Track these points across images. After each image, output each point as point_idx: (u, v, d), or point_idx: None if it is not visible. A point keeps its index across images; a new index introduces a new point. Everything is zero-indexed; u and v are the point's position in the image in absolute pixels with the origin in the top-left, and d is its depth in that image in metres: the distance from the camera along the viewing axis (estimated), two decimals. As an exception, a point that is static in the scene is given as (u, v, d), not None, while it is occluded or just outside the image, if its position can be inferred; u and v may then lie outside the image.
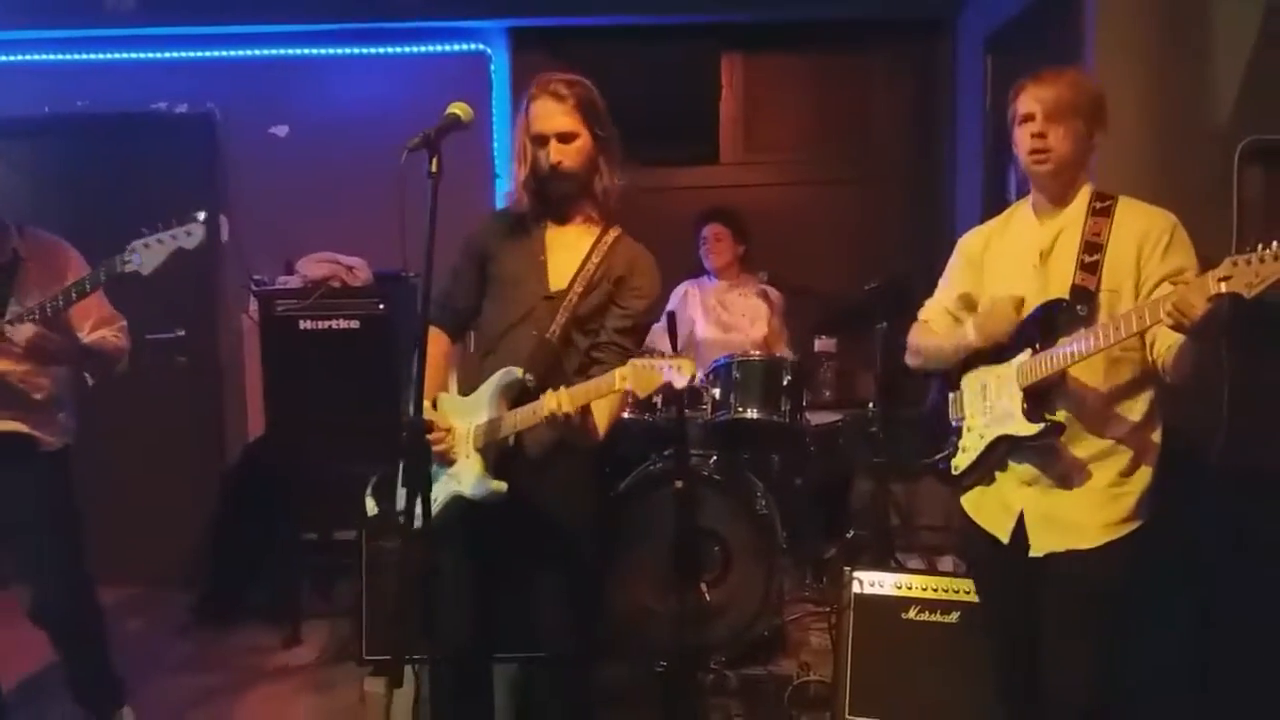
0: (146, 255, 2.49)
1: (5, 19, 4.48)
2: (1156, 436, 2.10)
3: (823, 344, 4.38)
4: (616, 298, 2.38)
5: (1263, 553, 2.45)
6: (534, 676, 2.52)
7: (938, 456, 2.29)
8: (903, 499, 4.19)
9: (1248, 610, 2.47)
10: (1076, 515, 2.07)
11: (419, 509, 2.04)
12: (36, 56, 4.70)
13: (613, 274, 2.37)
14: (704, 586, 3.25)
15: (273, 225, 4.51)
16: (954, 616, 2.80)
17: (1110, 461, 2.07)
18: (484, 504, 2.26)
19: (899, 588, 2.90)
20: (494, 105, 4.73)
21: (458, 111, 2.13)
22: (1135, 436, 2.07)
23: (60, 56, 4.70)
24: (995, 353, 2.16)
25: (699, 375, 3.81)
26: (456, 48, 4.77)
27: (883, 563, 3.56)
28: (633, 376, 2.06)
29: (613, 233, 2.42)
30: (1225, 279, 1.66)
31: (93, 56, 4.71)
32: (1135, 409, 2.07)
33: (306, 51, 4.74)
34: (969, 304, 2.30)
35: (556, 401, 2.13)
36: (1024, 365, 2.08)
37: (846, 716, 2.87)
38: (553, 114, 2.30)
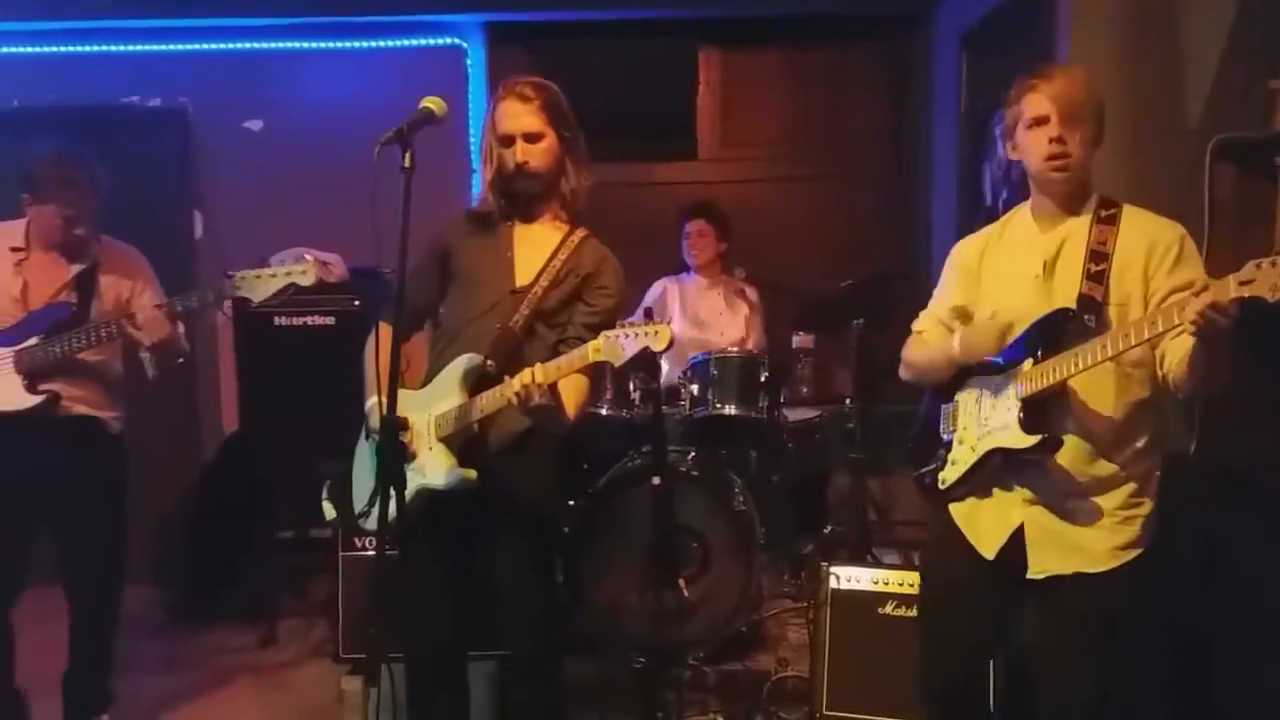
0: (258, 286, 2.71)
1: (-26, 12, 4.43)
2: (1157, 469, 2.06)
3: (800, 340, 4.38)
4: (584, 294, 2.39)
5: (1240, 556, 2.46)
6: (507, 674, 2.52)
7: (924, 470, 2.22)
8: (880, 495, 4.21)
9: (1223, 617, 2.47)
10: (1085, 539, 2.01)
11: (390, 506, 2.03)
12: (6, 49, 4.64)
13: (580, 270, 2.38)
14: (682, 582, 3.25)
15: (247, 220, 4.48)
16: (930, 611, 2.81)
17: (1114, 490, 2.01)
18: (450, 495, 2.26)
19: (876, 583, 2.91)
20: (470, 100, 4.71)
21: (431, 106, 2.13)
22: (1138, 464, 2.02)
23: (31, 49, 4.65)
24: (989, 363, 2.09)
25: (676, 372, 3.82)
26: (433, 42, 4.75)
27: (860, 558, 3.57)
28: (606, 348, 2.07)
29: (579, 233, 2.43)
30: (1247, 283, 1.60)
31: (64, 49, 4.66)
32: (1140, 436, 2.02)
33: (281, 45, 4.71)
34: (964, 315, 2.23)
35: (530, 374, 2.13)
36: (1025, 374, 2.00)
37: (824, 711, 2.88)
38: (519, 114, 2.32)
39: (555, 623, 2.53)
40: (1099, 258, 1.99)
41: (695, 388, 3.62)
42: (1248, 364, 2.12)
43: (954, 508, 2.19)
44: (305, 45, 4.72)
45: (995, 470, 2.08)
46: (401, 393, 2.36)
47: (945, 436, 2.20)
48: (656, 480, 2.89)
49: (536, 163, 2.34)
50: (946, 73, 4.66)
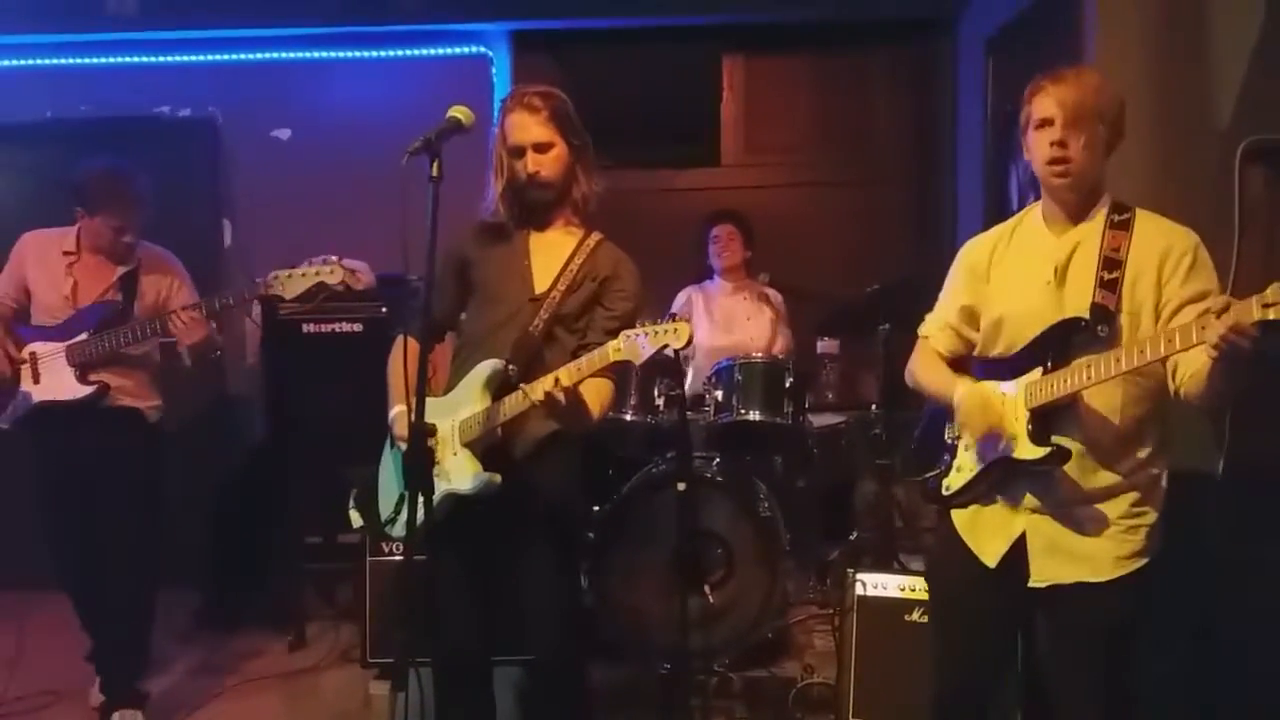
0: (289, 284, 2.89)
1: (7, 23, 4.50)
2: (1163, 480, 2.01)
3: (825, 346, 4.37)
4: (602, 299, 2.41)
5: (1268, 568, 2.43)
6: (531, 679, 2.52)
7: (928, 475, 2.19)
8: (905, 501, 4.17)
9: (1252, 632, 2.45)
10: (1088, 547, 1.97)
11: (418, 511, 2.04)
12: (39, 61, 4.72)
13: (597, 274, 2.40)
14: (707, 589, 3.25)
15: (275, 229, 4.52)
16: (957, 618, 2.79)
17: (1118, 497, 1.97)
18: (476, 499, 2.27)
19: (902, 590, 2.89)
20: (496, 109, 4.71)
21: (459, 115, 2.15)
22: (1141, 474, 1.98)
23: (62, 61, 4.72)
24: (999, 370, 2.06)
25: (701, 377, 3.82)
26: (458, 51, 4.78)
27: (886, 565, 3.55)
28: (626, 347, 2.08)
29: (594, 237, 2.45)
30: (1272, 304, 1.55)
31: (95, 61, 4.73)
32: (1144, 446, 1.98)
33: (309, 55, 4.75)
34: (971, 317, 2.19)
35: (553, 378, 2.14)
36: (1033, 385, 1.96)
37: (850, 718, 2.87)
38: (528, 125, 2.35)
39: (580, 627, 2.53)
40: (1112, 265, 1.94)
41: (720, 393, 3.62)
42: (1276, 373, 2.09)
43: (955, 516, 2.16)
44: (332, 55, 4.76)
45: (999, 479, 2.05)
46: (428, 401, 2.39)
47: (950, 441, 2.16)
48: (681, 486, 2.89)
49: (548, 172, 2.36)
50: (971, 77, 4.64)
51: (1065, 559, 2.00)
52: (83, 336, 3.08)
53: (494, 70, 4.77)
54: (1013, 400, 2.00)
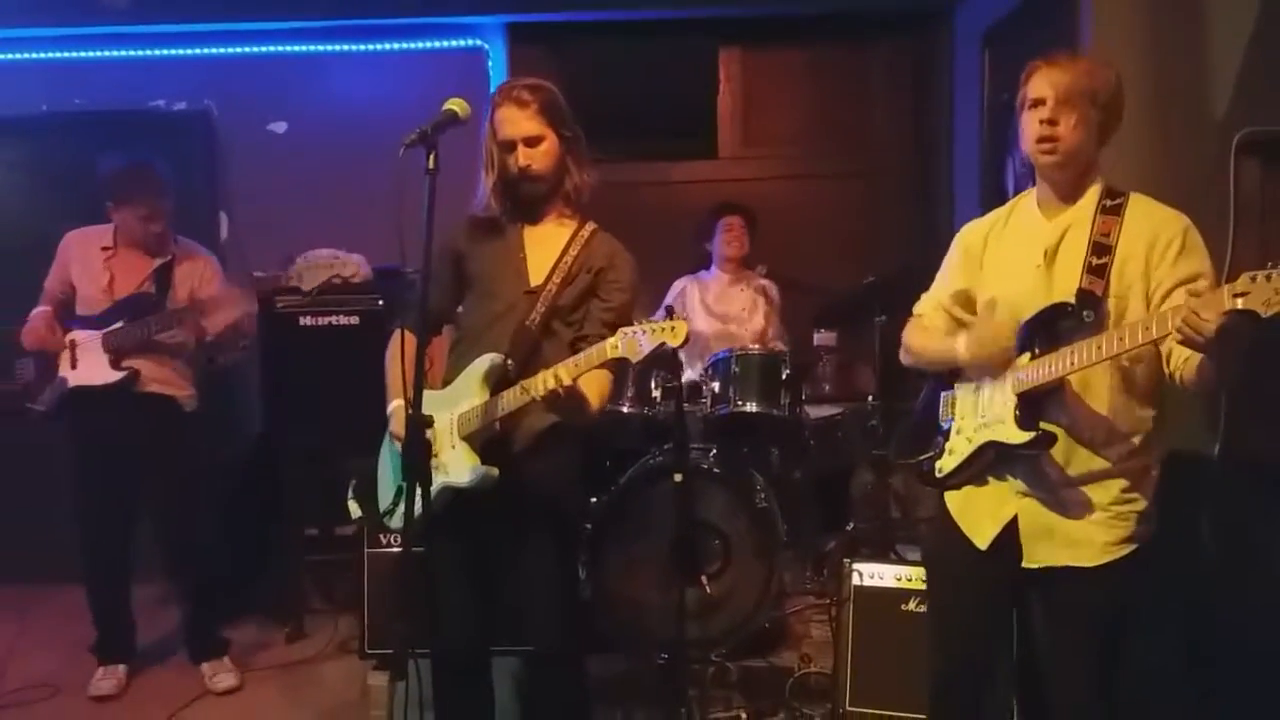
0: (308, 274, 3.15)
1: (2, 17, 4.48)
2: (1155, 469, 2.02)
3: (822, 338, 4.38)
4: (598, 290, 2.41)
5: (1265, 555, 2.44)
6: (531, 670, 2.53)
7: (922, 457, 2.20)
8: (902, 491, 4.20)
9: (1249, 618, 2.46)
10: (1078, 532, 1.99)
11: (416, 503, 2.05)
12: (33, 55, 4.70)
13: (592, 265, 2.40)
14: (704, 580, 3.26)
15: (271, 222, 4.52)
16: (953, 608, 2.80)
17: (1106, 484, 1.98)
18: (474, 493, 2.28)
19: (899, 580, 2.90)
20: (492, 101, 4.72)
21: (455, 108, 2.15)
22: (1133, 461, 1.99)
23: (57, 54, 4.70)
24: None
25: (698, 369, 3.83)
26: (455, 43, 4.77)
27: (882, 555, 3.57)
28: (624, 344, 2.09)
29: (589, 228, 2.45)
30: (1242, 295, 1.56)
31: (90, 54, 4.71)
32: (1136, 433, 1.98)
33: (304, 48, 4.74)
34: (965, 301, 2.20)
35: (553, 375, 2.15)
36: (1021, 369, 1.97)
37: (847, 708, 2.89)
38: (517, 120, 2.33)
39: (578, 618, 2.54)
40: (1101, 250, 1.95)
41: (717, 385, 3.63)
42: (1274, 360, 2.10)
43: (949, 499, 2.18)
44: (328, 48, 4.75)
45: (990, 462, 2.07)
46: (426, 394, 2.39)
47: (944, 424, 2.18)
48: (678, 477, 2.90)
49: (539, 166, 2.35)
50: (968, 69, 4.64)
51: (1056, 543, 2.02)
52: (118, 325, 3.26)
53: (490, 63, 4.77)
54: (1001, 384, 2.02)
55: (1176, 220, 1.95)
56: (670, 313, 3.46)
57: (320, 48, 4.75)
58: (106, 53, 4.71)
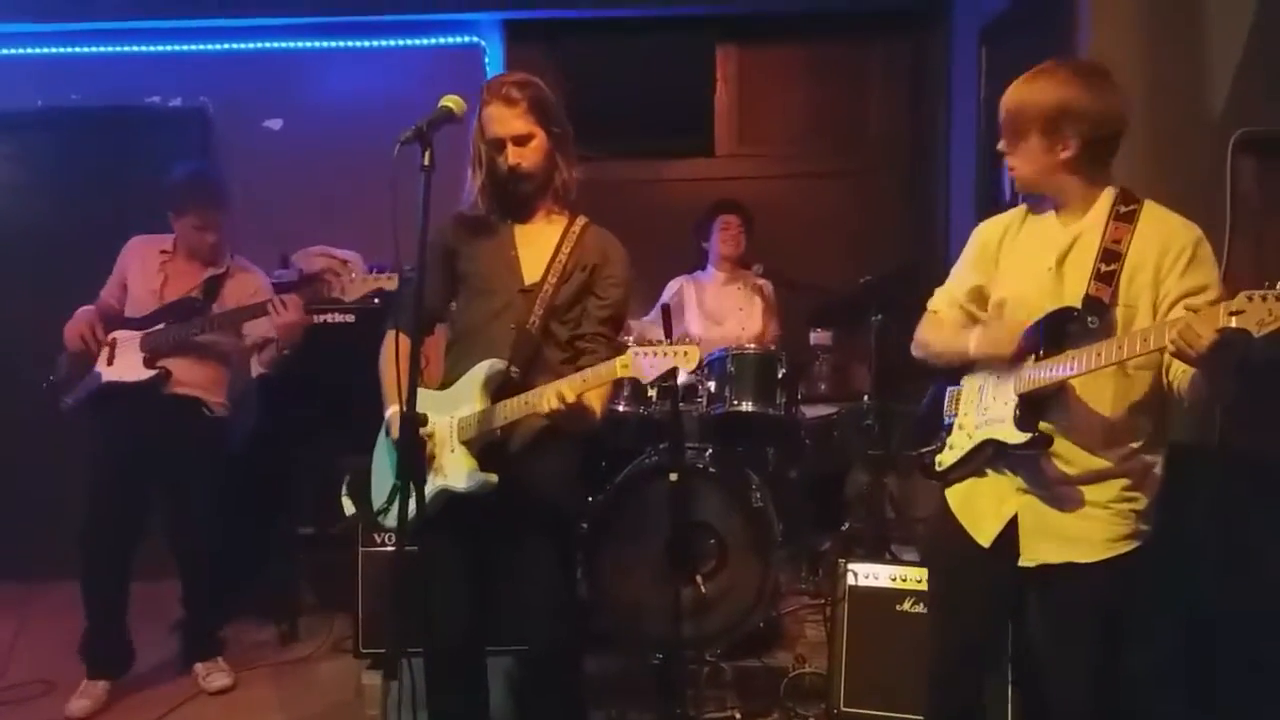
0: (350, 288, 3.13)
1: (-2, 13, 4.48)
2: (1158, 468, 2.01)
3: (818, 337, 4.38)
4: (593, 287, 2.40)
5: (1262, 553, 2.44)
6: (525, 669, 2.52)
7: (924, 450, 2.22)
8: (897, 492, 4.20)
9: (1247, 617, 2.46)
10: (1077, 530, 1.99)
11: (409, 502, 2.04)
12: (29, 50, 4.69)
13: (586, 262, 2.39)
14: (699, 579, 3.25)
15: (267, 219, 4.50)
16: (948, 608, 2.80)
17: (1108, 482, 1.98)
18: (472, 497, 2.27)
19: (894, 580, 2.91)
20: (487, 99, 4.71)
21: (450, 105, 2.14)
22: (1133, 461, 1.99)
23: (53, 50, 4.69)
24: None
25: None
26: (451, 40, 4.76)
27: (877, 555, 3.57)
28: (634, 365, 2.08)
29: (579, 222, 2.44)
30: (1238, 313, 1.57)
31: (86, 50, 4.70)
32: (1137, 435, 1.98)
33: (300, 45, 4.74)
34: (980, 297, 2.20)
35: (557, 394, 2.14)
36: (1024, 371, 1.98)
37: (841, 708, 2.89)
38: (506, 118, 2.31)
39: (575, 619, 2.53)
40: (1111, 257, 1.95)
41: (713, 384, 3.62)
42: (1272, 357, 2.10)
43: (950, 495, 2.19)
44: (324, 45, 4.74)
45: (989, 460, 2.08)
46: (424, 394, 2.38)
47: (947, 419, 2.20)
48: (674, 477, 2.90)
49: (529, 164, 2.33)
50: (965, 67, 4.63)
51: (1055, 540, 2.02)
52: (159, 327, 3.31)
53: (487, 60, 4.76)
54: (1003, 385, 2.03)
55: (1188, 231, 1.95)
56: (667, 312, 3.50)
57: (316, 44, 4.74)
58: (102, 49, 4.70)
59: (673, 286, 4.38)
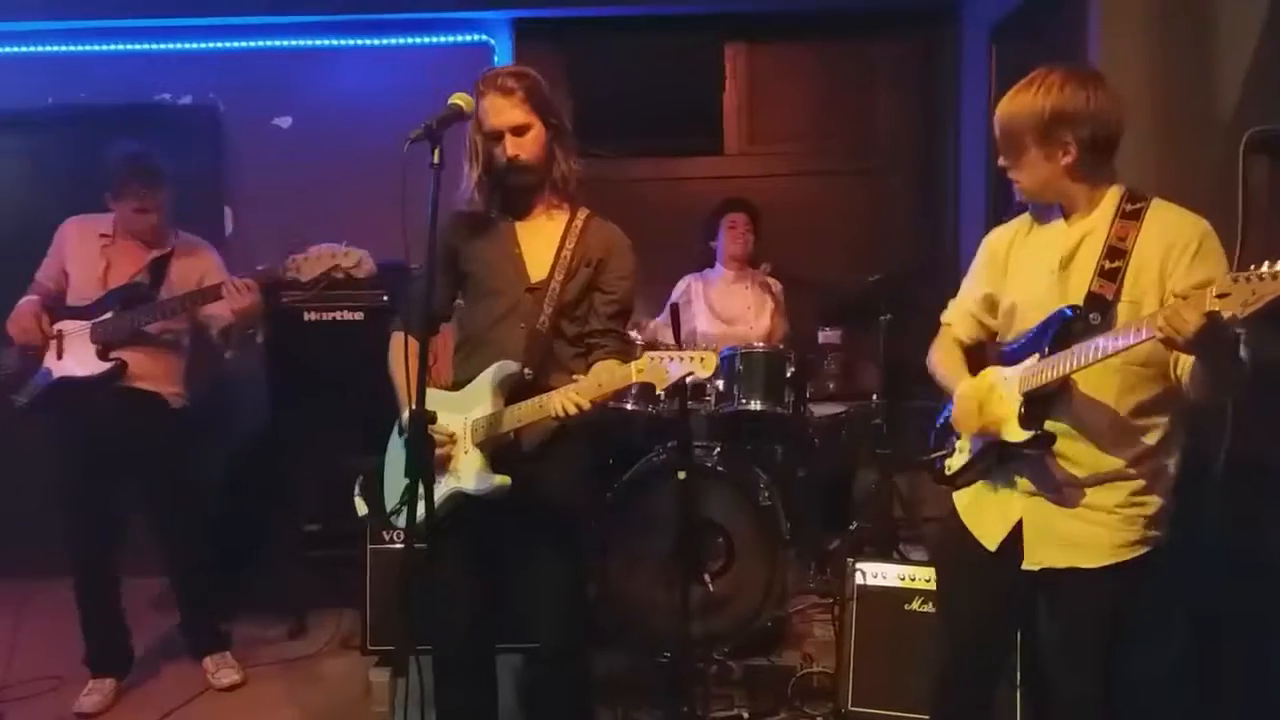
0: (305, 266, 3.07)
1: (7, 11, 4.49)
2: (1172, 467, 1.99)
3: (827, 336, 4.37)
4: (599, 283, 2.40)
5: (1271, 558, 2.43)
6: (534, 668, 2.53)
7: (935, 454, 2.21)
8: (906, 491, 4.19)
9: (1255, 621, 2.45)
10: (1083, 533, 1.98)
11: (420, 501, 2.04)
12: (39, 48, 4.70)
13: (591, 257, 2.38)
14: (707, 578, 3.25)
15: (276, 216, 4.51)
16: (957, 608, 2.79)
17: (1116, 485, 1.97)
18: (485, 498, 2.27)
19: (902, 579, 2.90)
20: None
21: (460, 102, 2.14)
22: (1147, 462, 1.96)
23: (63, 48, 4.70)
24: (1010, 357, 2.06)
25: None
26: (460, 39, 4.76)
27: (886, 554, 3.57)
28: (650, 370, 2.08)
29: (581, 214, 2.42)
30: (1223, 295, 1.56)
31: (95, 48, 4.71)
32: (1149, 433, 1.95)
33: (310, 43, 4.74)
34: (991, 306, 2.20)
35: (572, 403, 2.14)
36: (1028, 370, 1.97)
37: (849, 707, 2.88)
38: (502, 109, 2.29)
39: (586, 619, 2.53)
40: (1116, 254, 1.93)
41: (721, 383, 3.62)
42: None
43: (957, 498, 2.19)
44: (334, 43, 4.74)
45: (996, 461, 2.07)
46: (437, 395, 2.39)
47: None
48: (682, 475, 2.89)
49: (527, 155, 2.32)
50: (975, 65, 4.62)
51: (1060, 544, 2.01)
52: (107, 315, 3.19)
53: (496, 59, 4.75)
54: (1010, 385, 2.02)
55: (1195, 225, 1.93)
56: (675, 310, 3.50)
57: (326, 43, 4.74)
58: (112, 46, 4.71)
59: (681, 285, 4.38)
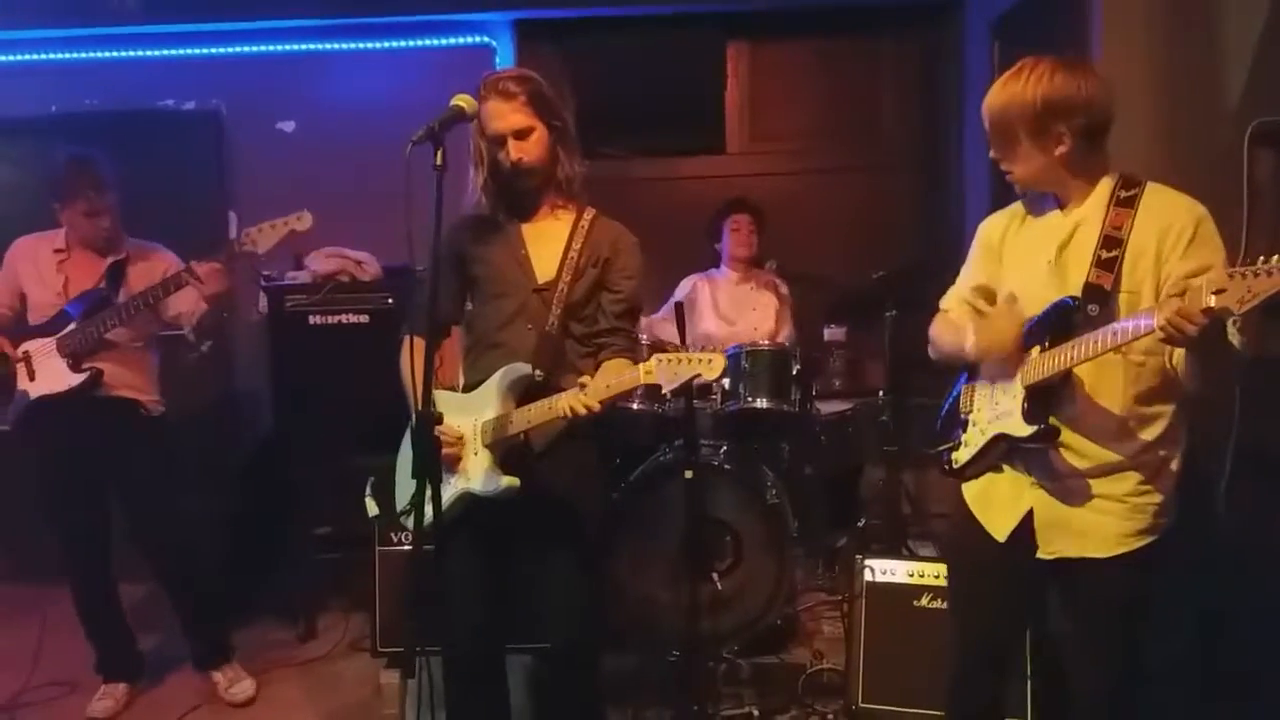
0: (260, 238, 3.06)
1: (11, 19, 4.50)
2: (1175, 464, 1.98)
3: (832, 333, 4.37)
4: (606, 282, 2.40)
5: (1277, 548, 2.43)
6: (545, 668, 2.53)
7: (942, 448, 2.20)
8: (914, 487, 4.19)
9: (1263, 612, 2.45)
10: (1092, 524, 1.97)
11: (428, 502, 2.05)
12: (43, 56, 4.72)
13: (598, 257, 2.39)
14: (715, 576, 3.25)
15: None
16: (966, 603, 2.79)
17: (1123, 475, 1.96)
18: (496, 499, 2.27)
19: (911, 575, 2.90)
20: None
21: (462, 104, 2.15)
22: (1153, 451, 1.95)
23: (66, 55, 4.72)
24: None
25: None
26: (462, 41, 4.77)
27: (894, 551, 3.56)
28: (659, 370, 2.08)
29: (587, 215, 2.43)
30: (1219, 292, 1.55)
31: (99, 55, 4.73)
32: (1154, 423, 1.94)
33: (312, 47, 4.75)
34: (987, 295, 2.19)
35: (581, 404, 2.14)
36: (1030, 363, 1.96)
37: (859, 704, 2.88)
38: (505, 113, 2.29)
39: (598, 619, 2.53)
40: (1112, 244, 1.91)
41: (727, 381, 3.61)
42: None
43: (966, 491, 2.18)
44: (336, 47, 4.75)
45: (1002, 455, 2.06)
46: (449, 396, 2.40)
47: (964, 415, 2.18)
48: (689, 474, 2.89)
49: (531, 158, 2.32)
50: (978, 61, 4.61)
51: (1071, 534, 2.01)
52: (71, 327, 3.12)
53: (498, 60, 4.76)
54: (1015, 379, 2.01)
55: (1191, 210, 1.91)
56: (680, 309, 3.49)
57: (328, 46, 4.76)
58: (115, 53, 4.73)
59: (686, 284, 4.37)
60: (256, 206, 4.67)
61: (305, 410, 3.98)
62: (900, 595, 2.89)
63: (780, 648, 3.43)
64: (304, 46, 4.75)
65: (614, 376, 2.18)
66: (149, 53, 4.73)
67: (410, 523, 2.37)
